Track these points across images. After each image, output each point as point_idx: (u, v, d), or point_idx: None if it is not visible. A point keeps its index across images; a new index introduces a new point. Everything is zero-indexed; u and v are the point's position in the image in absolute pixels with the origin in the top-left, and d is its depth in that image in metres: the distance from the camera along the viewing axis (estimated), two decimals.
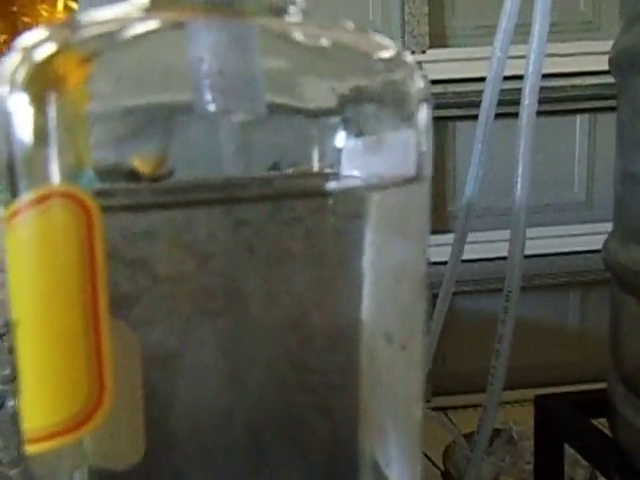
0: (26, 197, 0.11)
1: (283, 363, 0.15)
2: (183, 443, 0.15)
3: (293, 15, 0.13)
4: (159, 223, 0.15)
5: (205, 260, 0.15)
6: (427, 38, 0.91)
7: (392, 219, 0.16)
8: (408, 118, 0.15)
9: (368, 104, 0.14)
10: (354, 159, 0.16)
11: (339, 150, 0.15)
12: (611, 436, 0.42)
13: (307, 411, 0.16)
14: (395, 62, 0.15)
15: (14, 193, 0.12)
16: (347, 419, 0.16)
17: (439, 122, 0.93)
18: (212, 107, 0.12)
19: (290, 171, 0.16)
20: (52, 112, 0.12)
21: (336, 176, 0.16)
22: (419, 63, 0.92)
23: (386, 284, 0.16)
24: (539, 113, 0.40)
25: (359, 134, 0.15)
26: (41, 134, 0.12)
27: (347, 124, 0.15)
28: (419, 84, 0.15)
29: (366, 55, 0.14)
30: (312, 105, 0.14)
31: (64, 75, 0.12)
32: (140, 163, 0.14)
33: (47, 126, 0.12)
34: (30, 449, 0.12)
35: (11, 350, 0.23)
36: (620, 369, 0.41)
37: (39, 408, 0.12)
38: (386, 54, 0.15)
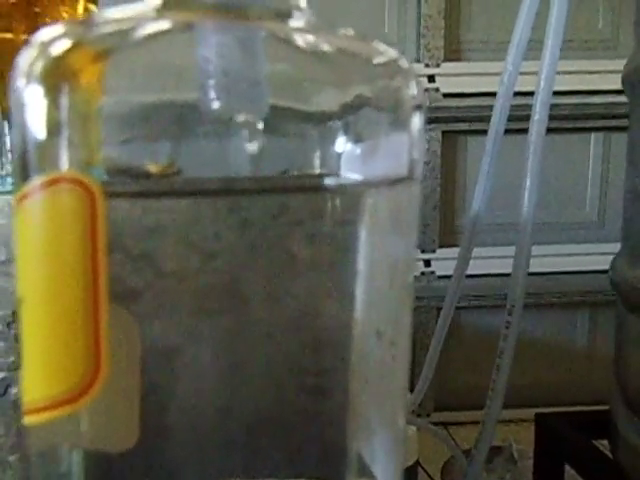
0: (36, 181, 0.12)
1: (280, 362, 0.16)
2: (178, 435, 0.16)
3: (297, 20, 0.14)
4: (166, 220, 0.15)
5: (209, 258, 0.15)
6: (442, 52, 0.92)
7: (386, 219, 0.17)
8: (403, 123, 0.16)
9: (367, 109, 0.15)
10: (352, 162, 0.16)
11: (339, 154, 0.16)
12: (612, 457, 0.42)
13: (299, 409, 0.16)
14: (393, 68, 0.15)
15: (25, 179, 0.12)
16: (336, 416, 0.16)
17: (450, 136, 0.94)
18: (216, 105, 0.12)
19: (294, 173, 0.16)
20: (66, 104, 0.12)
21: (336, 179, 0.16)
22: (432, 76, 0.93)
23: (379, 282, 0.17)
24: (553, 130, 0.40)
25: (358, 138, 0.16)
26: (54, 125, 0.12)
27: (347, 128, 0.15)
28: (414, 90, 0.15)
29: (367, 61, 0.15)
30: (314, 109, 0.14)
31: (78, 70, 0.13)
32: (149, 162, 0.15)
33: (60, 117, 0.12)
34: (28, 420, 0.13)
35: (17, 339, 0.24)
36: (624, 390, 0.41)
37: (39, 381, 0.13)
38: (385, 60, 0.15)
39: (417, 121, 0.16)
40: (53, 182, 0.12)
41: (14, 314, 0.24)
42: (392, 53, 0.15)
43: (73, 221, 0.12)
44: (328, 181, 0.16)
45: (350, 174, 0.16)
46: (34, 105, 0.12)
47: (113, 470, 0.15)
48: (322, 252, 0.16)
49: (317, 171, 0.16)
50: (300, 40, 0.14)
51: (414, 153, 0.17)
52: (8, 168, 0.28)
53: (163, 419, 0.15)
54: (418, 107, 0.15)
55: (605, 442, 0.43)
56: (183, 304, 0.15)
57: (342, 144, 0.16)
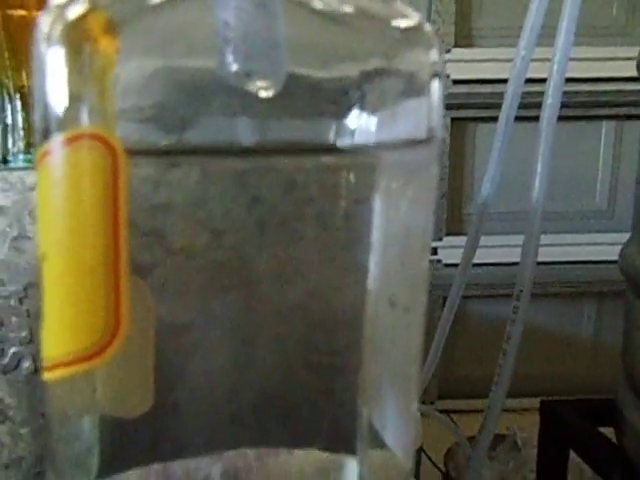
0: (57, 138, 0.12)
1: (290, 339, 0.16)
2: (189, 407, 0.16)
3: None
4: (175, 196, 0.15)
5: (218, 236, 0.16)
6: (453, 37, 0.91)
7: (403, 185, 0.17)
8: (423, 89, 0.16)
9: (386, 76, 0.15)
10: (370, 130, 0.16)
11: (356, 123, 0.15)
12: (618, 444, 0.42)
13: (311, 383, 0.16)
14: (414, 33, 0.15)
15: (46, 137, 0.13)
16: (348, 385, 0.16)
17: (459, 122, 0.93)
18: (234, 68, 0.12)
19: (307, 143, 0.16)
20: (87, 64, 0.13)
21: (352, 146, 0.16)
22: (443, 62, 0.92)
23: (394, 251, 0.17)
24: (564, 118, 0.40)
25: (376, 106, 0.15)
26: (75, 85, 0.12)
27: (365, 96, 0.15)
28: (436, 56, 0.15)
29: (387, 25, 0.15)
30: (331, 76, 0.14)
31: (96, 32, 0.13)
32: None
33: (80, 77, 0.13)
34: (48, 376, 0.13)
35: (29, 314, 0.24)
36: (630, 376, 0.41)
37: (59, 337, 0.13)
38: (406, 24, 0.15)
39: (437, 87, 0.15)
40: (75, 139, 0.12)
41: (26, 289, 0.25)
42: (415, 16, 0.15)
43: (95, 177, 0.13)
44: (343, 150, 0.16)
45: (366, 142, 0.16)
46: (55, 67, 0.13)
47: (127, 436, 0.15)
48: (335, 227, 0.16)
49: (332, 141, 0.16)
50: (318, 2, 0.14)
51: (433, 118, 0.16)
52: (20, 145, 0.28)
53: (174, 393, 0.15)
54: (438, 73, 0.15)
55: (611, 429, 0.43)
56: (192, 281, 0.15)
57: (359, 112, 0.15)
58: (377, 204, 0.17)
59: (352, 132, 0.16)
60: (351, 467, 0.16)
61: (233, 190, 0.16)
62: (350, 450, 0.16)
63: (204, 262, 0.15)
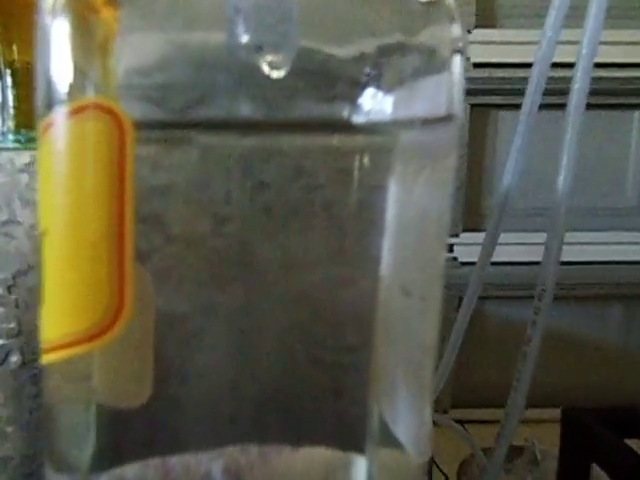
0: (62, 109, 0.12)
1: (295, 334, 0.16)
2: (188, 404, 0.16)
3: None
4: (175, 179, 0.15)
5: (220, 222, 0.16)
6: (473, 17, 0.91)
7: (420, 167, 0.17)
8: (443, 66, 0.16)
9: (406, 50, 0.15)
10: (386, 107, 0.16)
11: (372, 98, 0.15)
12: None
13: (319, 379, 0.17)
14: (437, 6, 0.15)
15: (50, 108, 0.13)
16: (358, 379, 0.17)
17: (479, 109, 0.92)
18: (244, 39, 0.13)
19: (318, 122, 0.16)
20: (91, 36, 0.13)
21: (365, 123, 0.16)
22: None
23: (408, 238, 0.17)
24: (593, 106, 0.40)
25: (394, 83, 0.15)
26: (80, 56, 0.13)
27: (383, 71, 0.15)
28: (458, 32, 0.15)
29: None
30: (346, 51, 0.14)
31: (99, 3, 0.13)
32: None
33: (86, 48, 0.13)
34: (47, 357, 0.13)
35: (18, 304, 0.25)
36: None
37: (59, 317, 0.13)
38: None
39: (458, 64, 0.16)
40: (80, 109, 0.13)
41: (15, 278, 0.25)
42: None
43: (101, 149, 0.13)
44: (357, 130, 0.16)
45: (382, 121, 0.16)
46: (60, 38, 0.13)
47: (125, 429, 0.16)
48: (347, 214, 0.17)
49: (345, 121, 0.16)
50: None
51: (454, 97, 0.16)
52: (10, 125, 0.29)
53: (174, 385, 0.16)
54: (460, 50, 0.15)
55: (638, 441, 0.43)
56: (192, 271, 0.16)
57: (376, 90, 0.15)
58: (392, 189, 0.17)
59: (367, 111, 0.16)
60: (360, 465, 0.17)
61: (237, 173, 0.16)
62: (359, 448, 0.17)
63: (205, 250, 0.16)
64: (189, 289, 0.16)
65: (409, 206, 0.17)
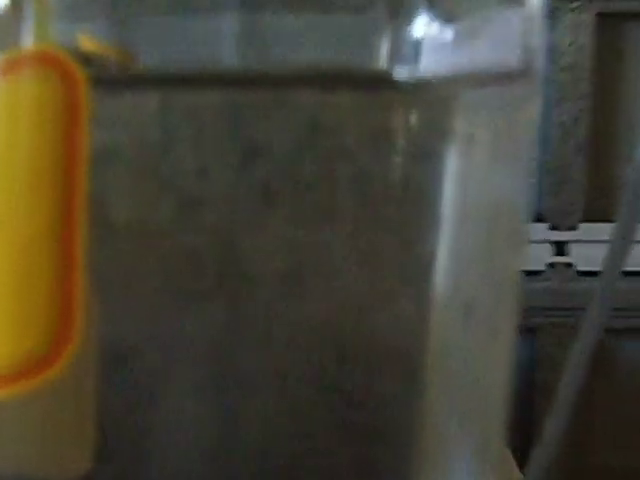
0: None
1: (305, 371, 0.11)
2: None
3: None
4: (119, 142, 0.10)
5: (190, 209, 0.11)
6: None
7: (487, 140, 0.12)
8: None
9: None
10: (440, 54, 0.12)
11: (419, 42, 0.11)
12: None
13: (338, 440, 0.11)
14: None
15: None
16: (396, 448, 0.11)
17: (609, 21, 0.57)
18: None
19: (342, 69, 0.12)
20: None
21: (412, 76, 0.11)
22: None
23: (472, 238, 0.12)
24: None
25: (451, 14, 0.12)
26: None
27: (431, 3, 0.11)
28: None
29: None
30: None
31: None
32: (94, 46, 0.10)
33: None
34: None
35: None
36: None
37: None
38: None
39: None
40: (16, 64, 0.10)
41: None
42: None
43: (45, 116, 0.10)
44: (399, 80, 0.12)
45: (437, 71, 0.12)
46: None
47: None
48: (381, 197, 0.11)
49: (382, 66, 0.12)
50: None
51: (531, 39, 0.13)
52: None
53: (126, 452, 0.11)
54: None
55: None
56: (149, 280, 0.11)
57: (427, 23, 0.11)
58: (448, 163, 0.12)
59: (414, 54, 0.12)
60: None
61: (217, 133, 0.11)
62: None
63: (168, 249, 0.11)
64: (144, 309, 0.11)
65: (472, 189, 0.13)
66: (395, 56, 0.12)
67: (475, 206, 0.13)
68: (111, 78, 0.11)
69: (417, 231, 0.12)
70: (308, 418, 0.11)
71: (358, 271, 0.12)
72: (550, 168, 0.63)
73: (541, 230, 0.63)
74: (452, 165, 0.12)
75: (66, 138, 0.10)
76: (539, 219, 0.64)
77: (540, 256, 0.63)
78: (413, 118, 0.12)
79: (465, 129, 0.12)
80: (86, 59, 0.11)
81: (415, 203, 0.12)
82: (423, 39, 0.12)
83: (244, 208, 0.11)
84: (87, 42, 0.10)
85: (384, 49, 0.12)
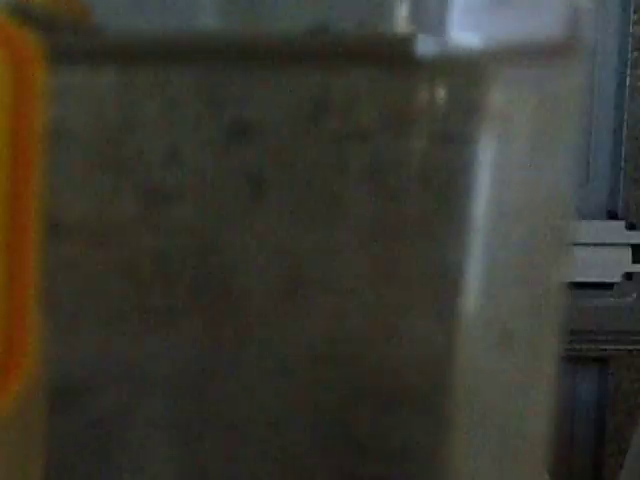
0: None
1: (305, 411, 0.09)
2: None
3: None
4: (75, 120, 0.08)
5: (159, 204, 0.09)
6: None
7: (526, 126, 0.10)
8: None
9: None
10: (468, 16, 0.10)
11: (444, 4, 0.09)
12: None
13: None
14: None
15: None
16: None
17: None
18: None
19: (347, 35, 0.10)
20: None
21: (436, 44, 0.09)
22: None
23: (509, 247, 0.10)
24: None
25: None
26: None
27: None
28: None
29: None
30: None
31: None
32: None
33: None
34: None
35: None
36: None
37: None
38: None
39: None
40: None
41: None
42: None
43: None
44: (420, 49, 0.09)
45: (465, 37, 0.10)
46: None
47: None
48: (400, 195, 0.09)
49: (398, 30, 0.10)
50: None
51: (577, 9, 0.11)
52: None
53: None
54: None
55: None
56: (104, 293, 0.08)
57: None
58: (480, 151, 0.10)
59: (438, 23, 0.10)
60: None
61: (194, 112, 0.09)
62: None
63: (130, 255, 0.09)
64: (101, 332, 0.09)
65: (510, 182, 0.10)
66: (415, 18, 0.10)
67: (513, 203, 0.10)
68: (64, 49, 0.09)
69: (442, 233, 0.10)
70: (306, 472, 0.09)
71: (369, 285, 0.10)
72: (627, 154, 0.51)
73: (616, 230, 0.49)
74: (484, 154, 0.10)
75: (18, 128, 0.08)
76: (613, 217, 0.50)
77: (614, 264, 0.47)
78: (439, 98, 0.10)
79: (500, 110, 0.10)
80: (34, 18, 0.09)
81: (440, 200, 0.10)
82: (444, 15, 0.10)
83: (226, 203, 0.09)
84: None
85: (401, 9, 0.10)
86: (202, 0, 0.09)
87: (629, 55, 0.59)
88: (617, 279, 0.50)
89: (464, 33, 0.10)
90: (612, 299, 0.49)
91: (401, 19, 0.10)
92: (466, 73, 0.10)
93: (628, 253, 0.49)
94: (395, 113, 0.09)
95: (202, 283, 0.09)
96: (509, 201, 0.10)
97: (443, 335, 0.10)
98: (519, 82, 0.10)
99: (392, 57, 0.10)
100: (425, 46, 0.09)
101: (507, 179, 0.10)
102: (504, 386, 0.10)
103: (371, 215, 0.10)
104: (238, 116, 0.09)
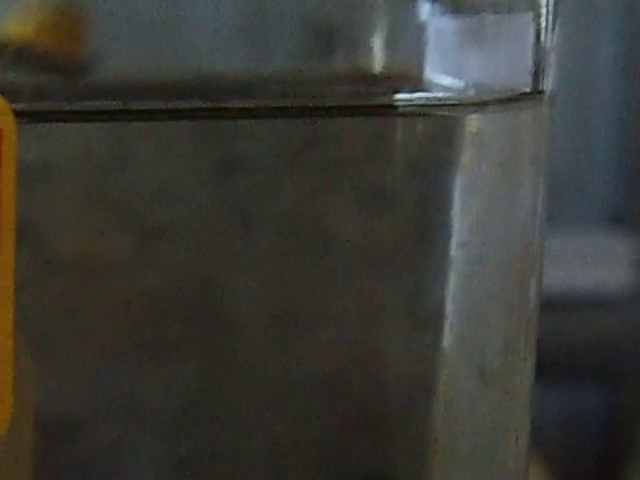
0: None
1: (296, 445, 0.09)
2: None
3: None
4: (64, 158, 0.09)
5: (156, 239, 0.09)
6: None
7: (496, 163, 0.11)
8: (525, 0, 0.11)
9: None
10: (445, 51, 0.10)
11: (421, 32, 0.10)
12: None
13: None
14: None
15: None
16: None
17: None
18: None
19: (326, 69, 0.10)
20: None
21: (414, 80, 0.10)
22: None
23: (483, 278, 0.10)
24: None
25: (454, 9, 0.10)
26: None
27: None
28: None
29: None
30: None
31: None
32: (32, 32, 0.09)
33: None
34: None
35: None
36: None
37: None
38: None
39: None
40: None
41: None
42: None
43: None
44: (398, 86, 0.10)
45: (441, 72, 0.10)
46: None
47: None
48: (384, 229, 0.10)
49: (378, 66, 0.10)
50: None
51: (542, 55, 0.11)
52: None
53: None
54: None
55: None
56: (95, 330, 0.08)
57: (426, 12, 0.10)
58: (459, 189, 0.10)
59: (418, 50, 0.10)
60: None
61: (185, 149, 0.09)
62: None
63: (122, 291, 0.09)
64: (93, 368, 0.09)
65: (484, 221, 0.11)
66: (392, 51, 0.10)
67: (486, 249, 0.11)
68: (52, 92, 0.09)
69: (424, 267, 0.10)
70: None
71: (353, 318, 0.10)
72: (629, 158, 0.46)
73: (617, 236, 0.43)
74: (458, 202, 0.10)
75: None
76: (616, 219, 0.43)
77: (615, 274, 0.40)
78: (414, 145, 0.10)
79: (469, 164, 0.11)
80: (17, 57, 0.09)
81: (423, 230, 0.10)
82: (426, 29, 0.10)
83: (218, 238, 0.09)
84: (17, 25, 0.08)
85: (377, 41, 0.10)
86: (203, 32, 0.09)
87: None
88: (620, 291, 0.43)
89: (439, 75, 0.10)
90: (618, 314, 0.44)
91: (379, 57, 0.10)
92: (442, 122, 0.10)
93: (632, 262, 0.43)
94: (374, 149, 0.10)
95: (195, 318, 0.09)
96: (482, 239, 0.11)
97: (423, 371, 0.10)
98: (488, 130, 0.11)
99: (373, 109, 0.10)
100: (404, 94, 0.10)
101: (480, 218, 0.10)
102: (479, 422, 0.10)
103: (354, 247, 0.10)
104: (225, 155, 0.09)
